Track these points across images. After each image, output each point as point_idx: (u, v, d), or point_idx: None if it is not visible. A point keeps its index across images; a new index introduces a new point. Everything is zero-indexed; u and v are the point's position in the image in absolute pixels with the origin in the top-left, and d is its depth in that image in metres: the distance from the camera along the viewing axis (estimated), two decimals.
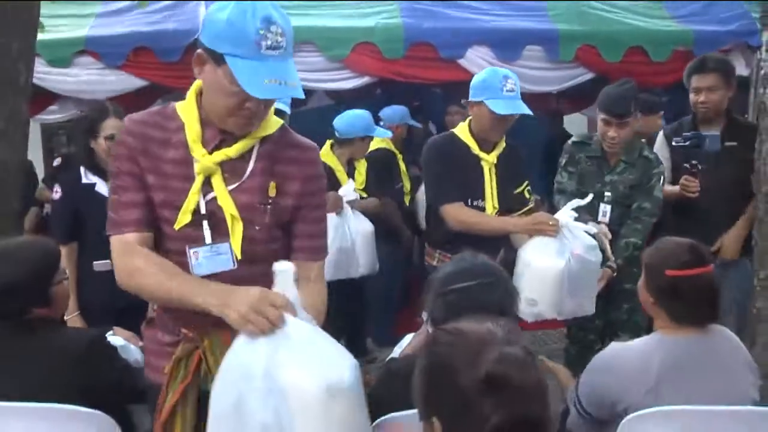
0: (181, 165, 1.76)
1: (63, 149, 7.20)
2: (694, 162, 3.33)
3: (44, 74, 4.45)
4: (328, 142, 4.32)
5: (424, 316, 2.11)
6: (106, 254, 2.67)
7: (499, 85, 3.00)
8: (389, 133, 4.68)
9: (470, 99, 3.11)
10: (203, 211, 1.76)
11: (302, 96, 1.70)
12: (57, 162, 4.92)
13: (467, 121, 3.21)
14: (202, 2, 4.92)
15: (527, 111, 3.06)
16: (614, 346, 2.08)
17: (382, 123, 4.95)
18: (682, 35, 4.87)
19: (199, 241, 1.76)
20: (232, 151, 1.76)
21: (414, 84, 5.09)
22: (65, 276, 2.27)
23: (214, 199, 1.76)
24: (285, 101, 3.29)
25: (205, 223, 1.75)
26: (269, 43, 1.60)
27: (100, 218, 2.68)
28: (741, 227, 3.43)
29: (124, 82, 4.77)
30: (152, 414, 1.86)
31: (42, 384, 1.94)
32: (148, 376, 1.92)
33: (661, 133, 3.72)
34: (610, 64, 4.72)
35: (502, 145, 3.19)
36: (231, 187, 1.77)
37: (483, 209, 3.12)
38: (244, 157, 1.78)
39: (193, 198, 1.74)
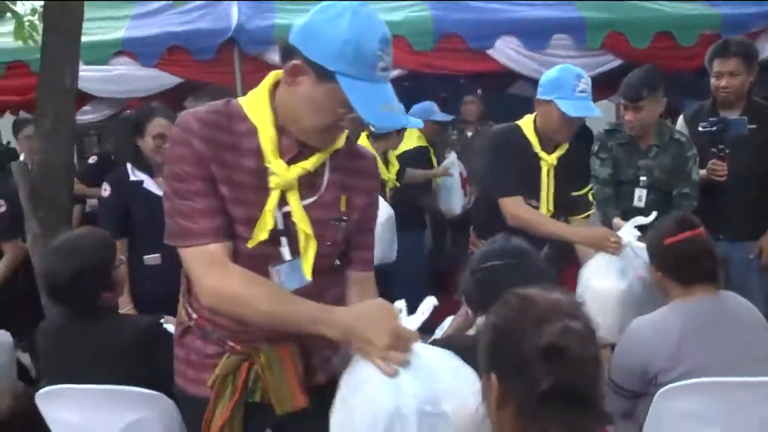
0: (254, 175, 1.60)
1: (94, 149, 7.40)
2: (721, 146, 3.35)
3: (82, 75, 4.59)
4: (363, 135, 4.40)
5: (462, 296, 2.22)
6: (156, 248, 2.86)
7: (571, 85, 2.85)
8: (421, 123, 4.71)
9: (539, 96, 2.97)
10: (280, 227, 1.62)
11: (409, 125, 1.65)
12: (92, 160, 5.05)
13: (533, 116, 3.05)
14: (234, 2, 5.05)
15: (598, 113, 2.96)
16: (636, 322, 2.18)
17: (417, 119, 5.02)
18: (709, 19, 4.84)
19: (274, 259, 1.64)
20: (309, 164, 1.62)
21: (441, 76, 5.15)
22: (122, 261, 2.40)
23: (288, 214, 1.62)
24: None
25: (283, 239, 1.63)
26: (384, 65, 1.50)
27: (148, 213, 2.84)
28: None
29: (160, 80, 4.89)
30: (191, 427, 1.84)
31: (106, 367, 2.06)
32: (184, 388, 1.80)
33: (681, 117, 3.74)
34: (637, 51, 4.71)
35: (565, 146, 3.04)
36: (305, 203, 1.64)
37: (537, 208, 2.99)
38: (317, 170, 1.65)
39: (270, 214, 1.59)
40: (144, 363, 2.06)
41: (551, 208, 3.00)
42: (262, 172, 1.59)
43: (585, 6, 4.91)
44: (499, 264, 1.95)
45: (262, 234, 1.59)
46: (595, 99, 6.86)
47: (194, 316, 1.74)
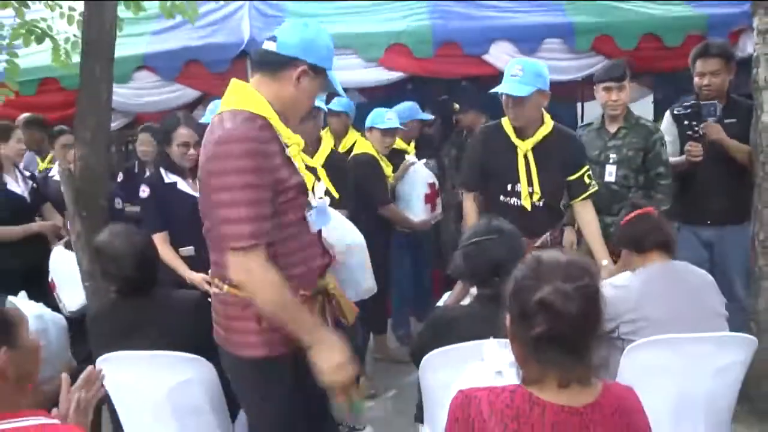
0: (290, 167, 2.07)
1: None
2: (695, 127, 3.72)
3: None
4: (356, 133, 4.63)
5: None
6: (190, 242, 3.23)
7: (509, 73, 3.18)
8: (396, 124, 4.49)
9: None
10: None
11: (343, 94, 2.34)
12: (120, 178, 5.29)
13: None
14: (246, 17, 5.39)
15: (517, 93, 3.10)
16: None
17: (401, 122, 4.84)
18: (695, 20, 5.13)
19: (306, 208, 2.13)
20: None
21: (442, 79, 5.48)
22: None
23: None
24: (322, 99, 3.71)
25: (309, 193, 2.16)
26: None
27: (183, 211, 3.22)
28: None
29: (181, 94, 5.29)
30: (276, 386, 2.14)
31: (156, 336, 2.42)
32: (269, 353, 2.08)
33: (667, 113, 4.08)
34: (625, 52, 4.98)
35: (543, 132, 3.25)
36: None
37: (520, 193, 3.23)
38: None
39: (303, 172, 2.14)
40: (190, 331, 2.41)
41: (537, 189, 3.22)
42: (291, 164, 2.08)
43: (574, 11, 5.23)
44: (482, 240, 2.32)
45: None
46: (586, 99, 7.11)
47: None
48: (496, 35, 5.08)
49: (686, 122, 3.83)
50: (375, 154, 4.35)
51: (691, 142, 3.73)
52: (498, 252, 2.28)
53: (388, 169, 4.45)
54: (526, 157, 3.25)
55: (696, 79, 3.84)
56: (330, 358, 1.98)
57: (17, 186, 4.14)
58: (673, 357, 2.31)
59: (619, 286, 2.52)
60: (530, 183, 3.23)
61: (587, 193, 3.35)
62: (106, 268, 2.58)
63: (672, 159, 3.83)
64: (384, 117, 4.37)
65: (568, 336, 1.48)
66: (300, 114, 2.21)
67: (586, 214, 3.37)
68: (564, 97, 5.91)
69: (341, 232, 2.74)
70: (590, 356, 1.52)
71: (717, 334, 2.36)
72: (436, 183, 4.74)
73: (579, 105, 6.77)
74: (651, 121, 3.91)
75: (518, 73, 3.14)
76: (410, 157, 4.68)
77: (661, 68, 5.23)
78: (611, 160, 3.79)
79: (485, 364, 1.85)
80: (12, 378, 1.57)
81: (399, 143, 4.71)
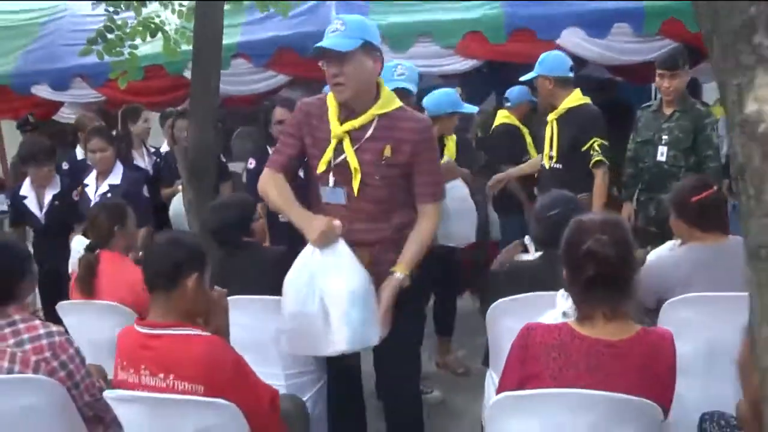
0: (327, 133, 2.59)
1: None
2: None
3: None
4: None
5: (526, 239, 2.98)
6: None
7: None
8: (475, 109, 4.59)
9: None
10: (332, 164, 2.60)
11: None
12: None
13: None
14: (333, 4, 5.81)
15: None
16: (655, 254, 2.88)
17: (509, 103, 5.35)
18: None
19: (325, 184, 2.64)
20: (357, 122, 2.56)
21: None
22: (260, 216, 3.32)
23: (344, 159, 2.57)
24: (413, 82, 3.72)
25: (331, 173, 2.61)
26: None
27: None
28: None
29: (272, 79, 5.81)
30: None
31: (255, 284, 2.87)
32: None
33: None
34: (694, 35, 5.00)
35: (567, 105, 4.06)
36: (354, 147, 2.56)
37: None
38: (363, 126, 2.56)
39: (328, 154, 2.59)
40: (276, 279, 2.75)
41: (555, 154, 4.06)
42: (329, 132, 2.59)
43: None
44: (559, 211, 2.70)
45: (322, 165, 2.61)
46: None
47: None
48: (568, 21, 5.32)
49: None
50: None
51: None
52: (566, 219, 2.63)
53: None
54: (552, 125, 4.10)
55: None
56: (311, 233, 2.51)
57: (142, 161, 4.72)
58: (702, 315, 2.56)
59: (675, 257, 2.78)
60: (551, 147, 4.05)
61: (592, 161, 3.95)
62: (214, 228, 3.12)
63: None
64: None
65: (610, 275, 1.88)
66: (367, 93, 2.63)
67: (595, 178, 3.96)
68: (637, 78, 6.09)
69: (344, 277, 2.50)
70: (630, 289, 1.92)
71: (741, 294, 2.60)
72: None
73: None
74: (706, 105, 4.16)
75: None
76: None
77: None
78: (663, 141, 4.07)
79: (556, 309, 2.22)
80: None
81: (512, 119, 5.26)
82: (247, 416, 1.99)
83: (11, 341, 2.14)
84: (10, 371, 2.11)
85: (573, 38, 5.32)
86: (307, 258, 2.54)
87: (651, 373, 1.88)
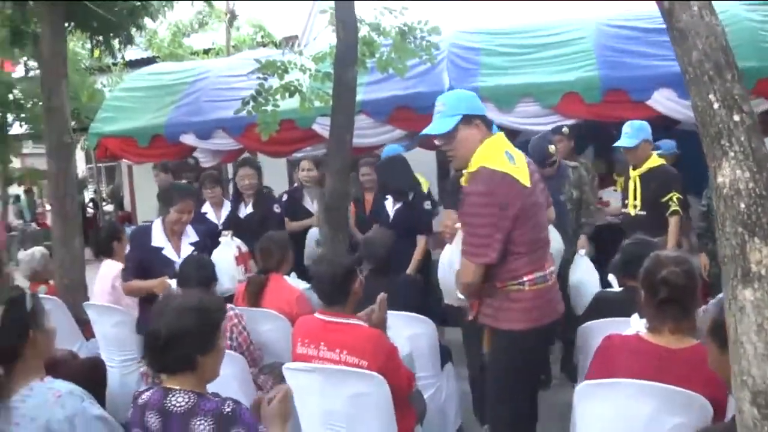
0: None
1: None
2: None
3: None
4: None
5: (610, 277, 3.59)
6: None
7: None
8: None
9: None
10: None
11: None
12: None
13: None
14: (445, 69, 6.54)
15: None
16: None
17: (660, 151, 5.81)
18: None
19: None
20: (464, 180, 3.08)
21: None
22: None
23: None
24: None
25: None
26: None
27: None
28: None
29: (390, 134, 6.61)
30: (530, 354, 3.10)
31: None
32: (535, 325, 3.00)
33: None
34: None
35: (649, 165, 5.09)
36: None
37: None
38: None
39: None
40: (421, 299, 3.61)
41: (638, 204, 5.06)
42: None
43: (740, 57, 5.70)
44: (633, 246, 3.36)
45: None
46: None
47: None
48: (659, 82, 5.77)
49: None
50: None
51: None
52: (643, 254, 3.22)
53: None
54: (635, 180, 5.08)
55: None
56: None
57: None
58: None
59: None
60: (635, 197, 5.04)
61: (669, 210, 4.89)
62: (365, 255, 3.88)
63: None
64: None
65: (679, 298, 2.47)
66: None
67: (670, 225, 4.87)
68: None
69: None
70: (693, 311, 2.50)
71: None
72: None
73: None
74: None
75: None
76: None
77: None
78: None
79: (631, 328, 2.81)
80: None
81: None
82: (392, 388, 2.71)
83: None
84: None
85: (663, 99, 5.78)
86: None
87: (702, 377, 2.42)
